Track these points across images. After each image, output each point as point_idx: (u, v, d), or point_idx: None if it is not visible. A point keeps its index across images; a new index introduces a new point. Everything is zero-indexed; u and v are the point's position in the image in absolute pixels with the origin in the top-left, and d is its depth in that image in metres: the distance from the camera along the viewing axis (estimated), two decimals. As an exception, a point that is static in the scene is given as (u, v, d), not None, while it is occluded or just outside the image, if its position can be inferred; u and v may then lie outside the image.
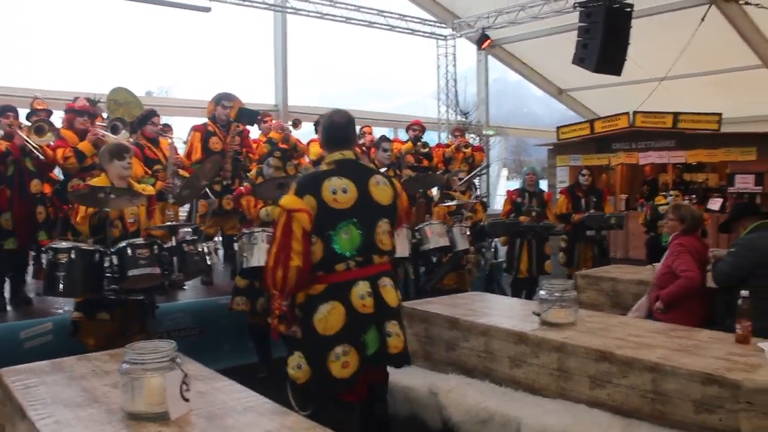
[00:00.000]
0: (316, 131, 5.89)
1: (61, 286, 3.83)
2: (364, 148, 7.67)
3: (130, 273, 3.82)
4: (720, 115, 11.17)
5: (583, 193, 7.58)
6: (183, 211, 7.17)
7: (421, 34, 14.94)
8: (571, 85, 16.22)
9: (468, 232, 6.23)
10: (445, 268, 6.26)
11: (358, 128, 6.77)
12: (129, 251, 3.85)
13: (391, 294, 2.98)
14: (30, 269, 6.10)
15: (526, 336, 3.42)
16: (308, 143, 7.60)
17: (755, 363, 2.82)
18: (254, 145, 7.08)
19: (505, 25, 13.67)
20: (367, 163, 3.31)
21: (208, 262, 4.39)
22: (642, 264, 6.91)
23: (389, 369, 3.14)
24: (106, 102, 7.00)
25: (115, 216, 4.08)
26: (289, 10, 12.49)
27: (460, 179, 7.38)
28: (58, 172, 6.13)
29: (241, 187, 5.66)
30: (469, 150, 8.98)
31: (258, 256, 4.55)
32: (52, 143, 5.53)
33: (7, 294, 5.32)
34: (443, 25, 15.00)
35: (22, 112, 6.00)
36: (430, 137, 12.37)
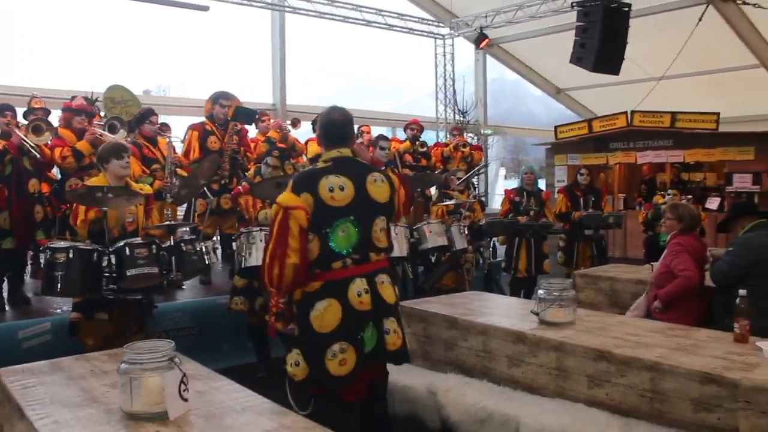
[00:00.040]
0: (314, 130, 5.88)
1: (59, 285, 3.81)
2: (366, 143, 7.66)
3: (129, 273, 3.80)
4: (718, 114, 11.17)
5: (581, 192, 7.60)
6: (181, 210, 7.16)
7: (419, 33, 14.95)
8: (569, 84, 16.23)
9: (466, 232, 6.23)
10: (444, 268, 6.26)
11: (356, 127, 6.78)
12: (127, 251, 3.84)
13: (388, 291, 2.98)
14: (28, 269, 6.09)
15: (524, 335, 3.43)
16: (306, 142, 7.61)
17: (753, 362, 2.82)
18: (252, 145, 7.07)
19: (503, 25, 13.67)
20: (369, 158, 3.29)
21: (207, 262, 4.37)
22: (640, 263, 6.92)
23: (388, 368, 3.14)
24: (103, 100, 6.99)
25: (114, 225, 4.05)
26: (287, 9, 12.48)
27: (458, 178, 7.38)
28: (56, 172, 6.11)
29: (239, 187, 5.65)
30: (467, 149, 8.98)
31: (256, 255, 4.53)
32: (49, 142, 5.52)
33: (5, 294, 5.31)
34: (441, 25, 15.00)
35: (20, 111, 5.98)
36: (429, 136, 12.38)
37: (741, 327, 3.16)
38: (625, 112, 11.88)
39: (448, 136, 11.17)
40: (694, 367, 2.77)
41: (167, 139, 6.33)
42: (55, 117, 6.35)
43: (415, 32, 14.81)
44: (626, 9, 8.46)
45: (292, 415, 2.29)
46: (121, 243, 3.89)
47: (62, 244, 3.92)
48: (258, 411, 2.29)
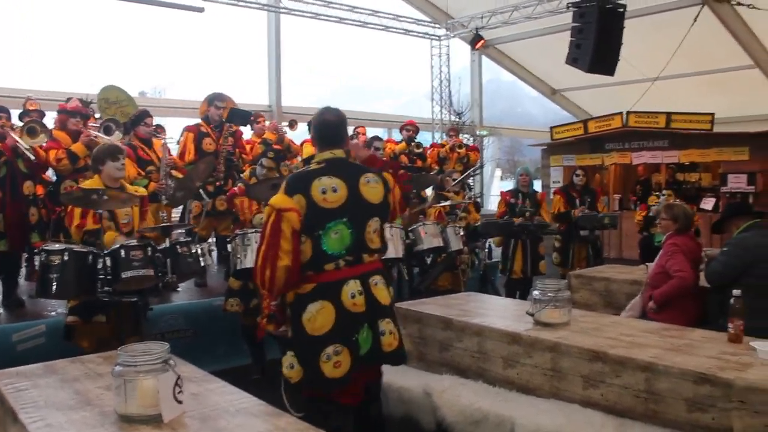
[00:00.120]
0: (310, 131, 5.88)
1: (53, 288, 3.80)
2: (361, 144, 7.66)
3: (124, 275, 3.80)
4: (713, 115, 11.21)
5: (577, 193, 7.62)
6: (176, 212, 7.15)
7: (415, 34, 14.95)
8: (565, 85, 16.27)
9: (462, 233, 6.23)
10: (439, 269, 6.25)
11: (351, 129, 6.77)
12: (122, 253, 3.82)
13: (382, 292, 2.97)
14: (23, 271, 6.07)
15: (519, 336, 3.43)
16: (302, 144, 7.60)
17: (747, 362, 2.83)
18: (248, 146, 7.06)
19: (499, 26, 13.69)
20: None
21: (202, 264, 4.36)
22: (635, 264, 6.92)
23: (384, 368, 3.13)
24: (97, 101, 6.97)
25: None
26: (282, 11, 12.48)
27: (454, 179, 7.39)
28: (50, 174, 6.10)
29: (235, 188, 5.64)
30: (463, 150, 8.99)
31: (251, 257, 4.51)
32: (44, 144, 5.50)
33: (-1, 296, 5.31)
34: (437, 26, 15.02)
35: (15, 113, 5.97)
36: (424, 137, 12.37)
37: (735, 327, 3.17)
38: (621, 113, 11.91)
39: (443, 137, 11.17)
40: (689, 367, 2.78)
41: (162, 141, 6.32)
42: (50, 119, 6.34)
43: (411, 33, 14.81)
44: (621, 10, 8.48)
45: (286, 417, 2.29)
46: (117, 245, 3.88)
47: (57, 246, 3.90)
48: (253, 413, 2.29)
